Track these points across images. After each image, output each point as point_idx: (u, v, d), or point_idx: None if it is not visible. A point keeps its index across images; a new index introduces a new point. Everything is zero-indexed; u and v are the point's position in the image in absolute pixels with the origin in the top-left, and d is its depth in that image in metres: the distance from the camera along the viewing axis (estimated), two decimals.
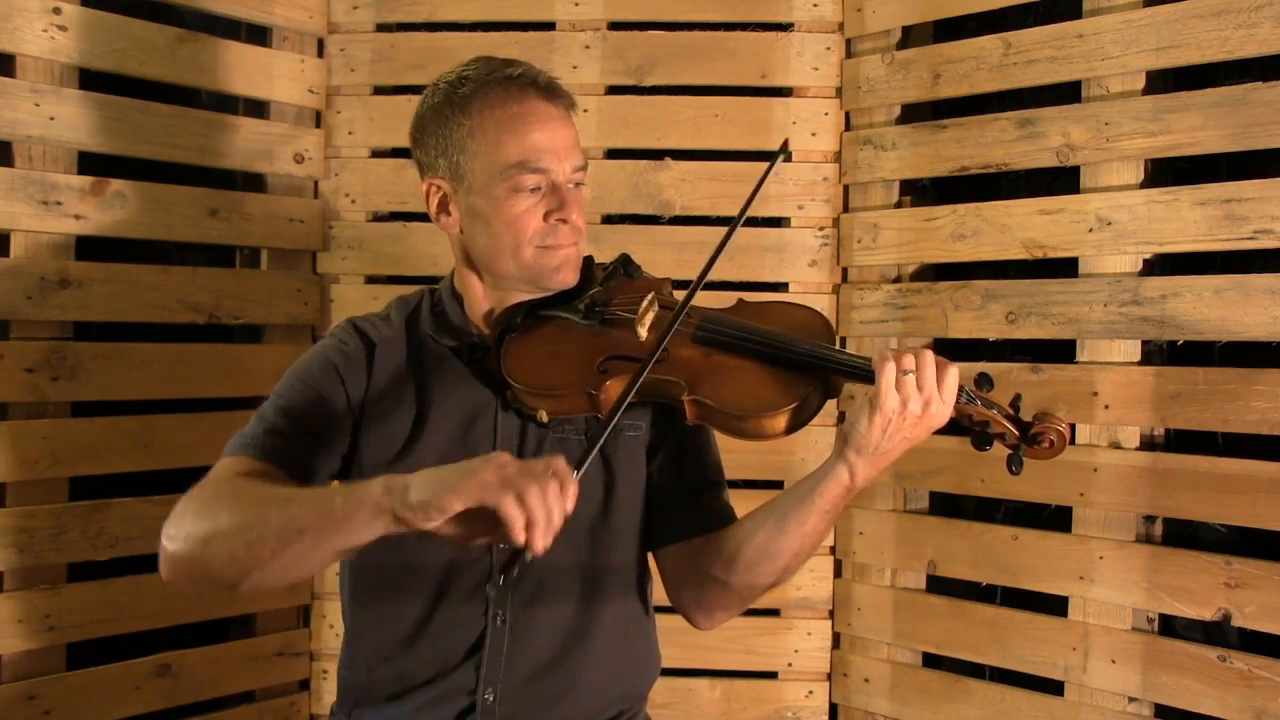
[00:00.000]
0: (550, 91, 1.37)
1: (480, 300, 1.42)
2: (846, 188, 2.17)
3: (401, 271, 2.23)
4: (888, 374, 1.17)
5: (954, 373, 1.19)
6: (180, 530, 1.18)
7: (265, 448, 1.29)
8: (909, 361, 1.17)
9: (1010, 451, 1.22)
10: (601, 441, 1.13)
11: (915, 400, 1.17)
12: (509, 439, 1.37)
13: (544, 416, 1.32)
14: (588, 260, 1.45)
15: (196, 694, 2.07)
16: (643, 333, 1.30)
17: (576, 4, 2.19)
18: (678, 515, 1.43)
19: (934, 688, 2.05)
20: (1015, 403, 1.24)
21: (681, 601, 1.44)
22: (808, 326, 1.34)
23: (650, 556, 1.48)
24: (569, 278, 1.38)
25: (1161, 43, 1.75)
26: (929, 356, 1.18)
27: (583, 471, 1.07)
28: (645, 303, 1.32)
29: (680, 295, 1.33)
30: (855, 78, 2.14)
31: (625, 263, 1.43)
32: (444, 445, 1.36)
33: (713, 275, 2.14)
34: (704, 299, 1.37)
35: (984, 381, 1.23)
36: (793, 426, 1.25)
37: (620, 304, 1.37)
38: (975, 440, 1.24)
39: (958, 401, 1.20)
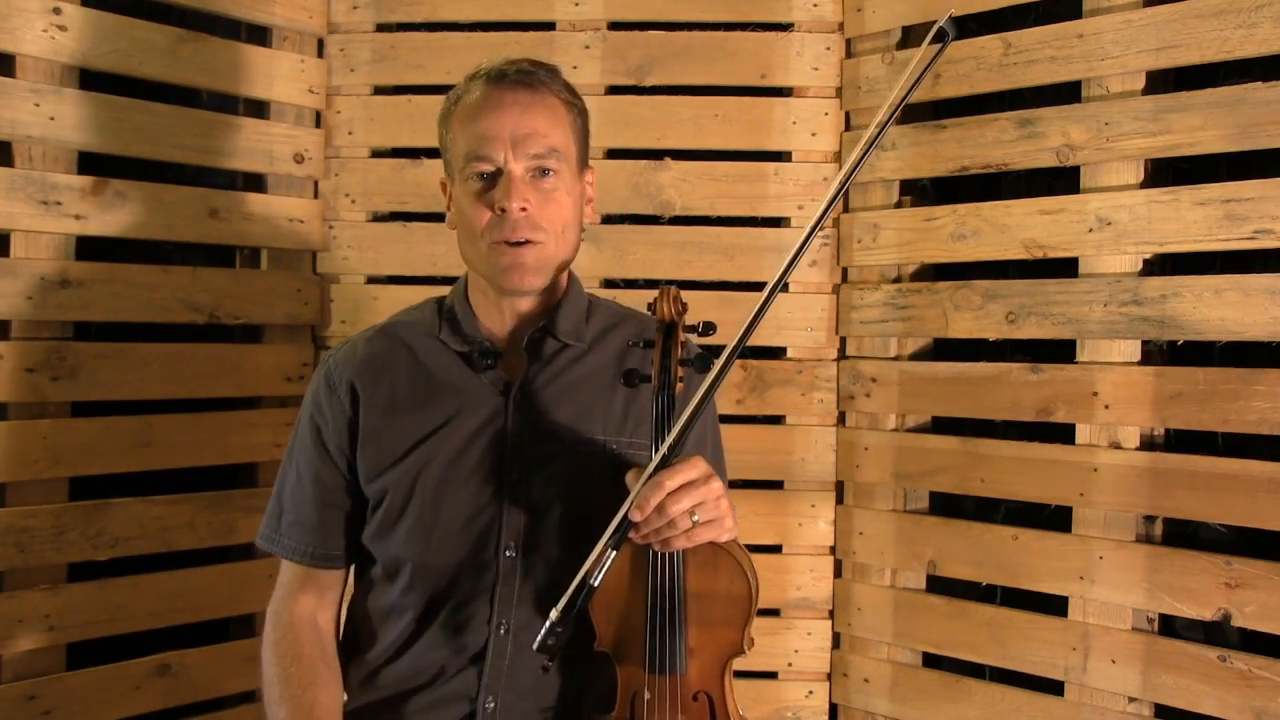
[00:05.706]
0: (501, 78, 1.33)
1: (483, 301, 1.41)
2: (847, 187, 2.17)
3: (401, 271, 2.23)
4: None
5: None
6: (261, 655, 1.41)
7: (301, 550, 1.40)
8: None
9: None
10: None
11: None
12: (517, 448, 1.35)
13: None
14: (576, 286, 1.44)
15: (196, 694, 2.07)
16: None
17: (576, 4, 2.19)
18: None
19: (934, 688, 2.05)
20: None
21: None
22: None
23: None
24: (519, 281, 1.33)
25: (1161, 43, 1.75)
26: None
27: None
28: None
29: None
30: (855, 78, 2.14)
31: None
32: (448, 456, 1.35)
33: (713, 276, 2.19)
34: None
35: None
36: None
37: None
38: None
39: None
